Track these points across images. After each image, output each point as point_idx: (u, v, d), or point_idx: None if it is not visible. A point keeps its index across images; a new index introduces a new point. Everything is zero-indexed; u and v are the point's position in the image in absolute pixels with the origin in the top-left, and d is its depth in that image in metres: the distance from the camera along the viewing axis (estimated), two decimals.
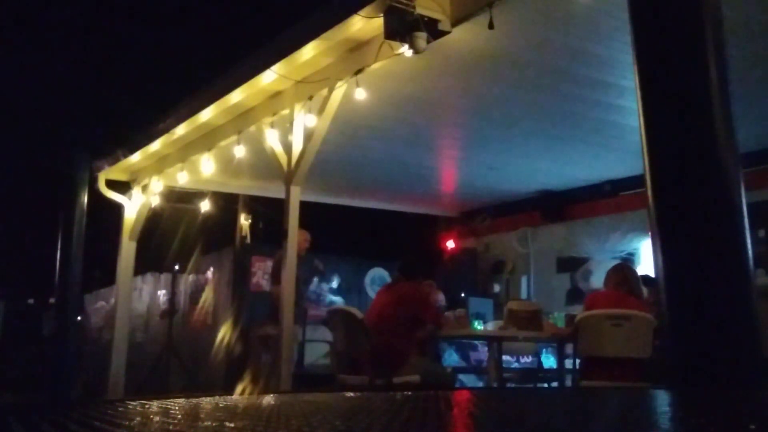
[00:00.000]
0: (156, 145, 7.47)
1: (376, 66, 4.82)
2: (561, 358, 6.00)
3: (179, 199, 8.66)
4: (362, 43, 4.93)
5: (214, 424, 1.71)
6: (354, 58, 5.04)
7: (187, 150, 7.38)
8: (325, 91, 5.34)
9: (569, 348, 5.56)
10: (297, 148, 5.60)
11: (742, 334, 2.79)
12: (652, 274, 3.44)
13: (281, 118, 5.87)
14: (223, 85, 6.01)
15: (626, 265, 5.69)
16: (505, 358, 6.20)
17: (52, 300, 10.07)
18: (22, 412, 2.00)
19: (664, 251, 2.92)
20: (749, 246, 2.84)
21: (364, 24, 4.57)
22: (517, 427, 1.70)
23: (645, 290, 5.48)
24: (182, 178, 7.53)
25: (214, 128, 6.82)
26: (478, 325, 6.36)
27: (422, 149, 7.52)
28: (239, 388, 6.89)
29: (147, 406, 2.22)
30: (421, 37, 4.23)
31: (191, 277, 10.34)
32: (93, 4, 16.19)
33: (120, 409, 2.15)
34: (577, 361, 5.28)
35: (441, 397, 2.62)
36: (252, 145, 6.38)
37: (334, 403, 2.51)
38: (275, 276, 7.15)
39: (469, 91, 5.86)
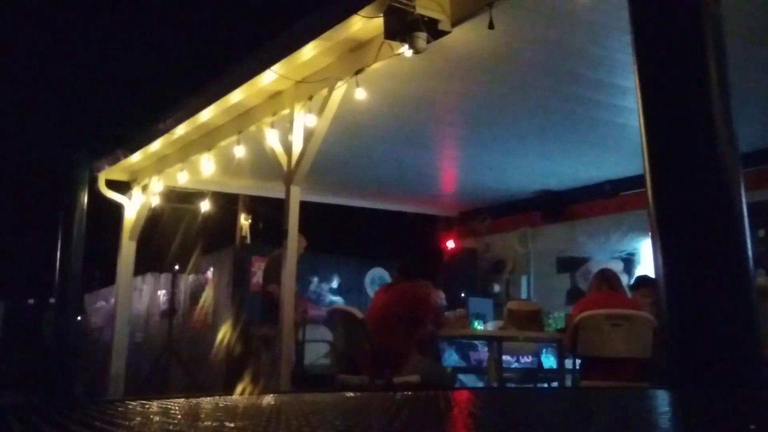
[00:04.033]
0: (156, 145, 7.47)
1: (376, 66, 4.82)
2: (561, 358, 6.00)
3: (179, 199, 8.67)
4: (362, 43, 4.93)
5: (214, 424, 1.71)
6: (354, 58, 5.04)
7: (187, 150, 7.38)
8: (325, 91, 5.34)
9: None
10: (297, 148, 5.60)
11: (742, 334, 2.79)
12: (652, 274, 3.44)
13: (281, 118, 5.87)
14: (223, 85, 6.01)
15: (606, 269, 5.72)
16: (505, 358, 6.20)
17: (52, 300, 10.06)
18: (22, 412, 2.00)
19: (664, 251, 2.92)
20: (749, 246, 2.84)
21: (364, 24, 4.57)
22: (517, 427, 1.70)
23: (628, 291, 5.54)
24: (182, 178, 7.53)
25: (214, 128, 6.82)
26: (478, 325, 6.37)
27: (422, 149, 7.52)
28: (239, 388, 6.89)
29: (147, 406, 2.22)
30: (421, 37, 4.23)
31: (191, 277, 10.33)
32: (93, 4, 16.19)
33: (120, 409, 2.15)
34: (577, 361, 5.28)
35: (441, 397, 2.62)
36: (252, 145, 6.39)
37: (334, 403, 2.51)
38: (267, 275, 7.14)
39: (469, 91, 5.86)
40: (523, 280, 9.38)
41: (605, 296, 5.18)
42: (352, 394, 3.08)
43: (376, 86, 5.25)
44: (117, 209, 8.57)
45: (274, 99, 5.95)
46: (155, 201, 8.20)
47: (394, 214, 10.43)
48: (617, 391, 4.11)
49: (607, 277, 5.33)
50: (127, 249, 8.37)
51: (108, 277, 9.91)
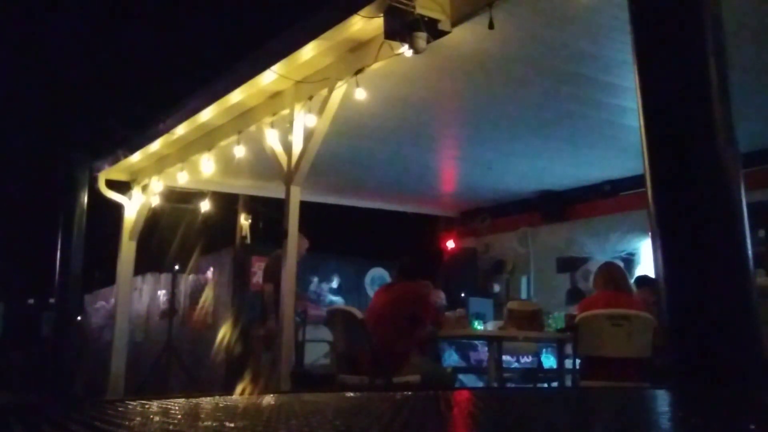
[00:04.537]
0: (156, 145, 7.47)
1: (376, 66, 4.82)
2: (561, 358, 6.00)
3: (179, 199, 8.67)
4: (362, 43, 4.93)
5: (214, 424, 1.71)
6: (354, 58, 5.04)
7: (187, 150, 7.38)
8: (325, 91, 5.34)
9: (569, 348, 5.56)
10: (297, 148, 5.60)
11: (742, 334, 2.79)
12: (652, 274, 3.44)
13: (281, 118, 5.87)
14: (223, 85, 6.01)
15: (611, 263, 5.70)
16: (505, 358, 6.20)
17: (52, 300, 10.07)
18: (22, 412, 2.00)
19: (664, 251, 2.92)
20: (749, 246, 2.83)
21: (364, 24, 4.57)
22: (517, 427, 1.70)
23: (634, 288, 5.52)
24: (182, 178, 7.53)
25: (214, 128, 6.82)
26: (478, 325, 6.36)
27: (422, 149, 7.52)
28: (239, 388, 6.89)
29: (147, 406, 2.22)
30: (421, 37, 4.23)
31: (191, 277, 10.34)
32: (93, 4, 16.19)
33: (120, 409, 2.15)
34: (577, 361, 5.28)
35: (441, 397, 2.62)
36: (252, 145, 6.38)
37: (334, 403, 2.51)
38: (267, 275, 7.14)
39: (469, 90, 5.86)
40: (523, 280, 9.38)
41: (611, 296, 5.16)
42: (352, 394, 3.08)
43: (376, 86, 5.25)
44: (117, 209, 8.57)
45: (274, 99, 5.95)
46: (155, 201, 8.20)
47: (394, 214, 10.43)
48: (617, 391, 4.11)
49: (613, 276, 5.30)
50: (127, 249, 8.37)
51: (108, 277, 9.90)
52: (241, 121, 6.41)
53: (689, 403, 2.35)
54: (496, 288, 9.50)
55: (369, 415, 1.95)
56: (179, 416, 1.95)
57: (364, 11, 4.41)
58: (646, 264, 7.62)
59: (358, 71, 4.98)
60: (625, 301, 5.13)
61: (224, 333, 8.82)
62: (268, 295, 6.44)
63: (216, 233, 10.02)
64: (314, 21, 4.90)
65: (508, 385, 6.13)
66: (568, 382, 5.82)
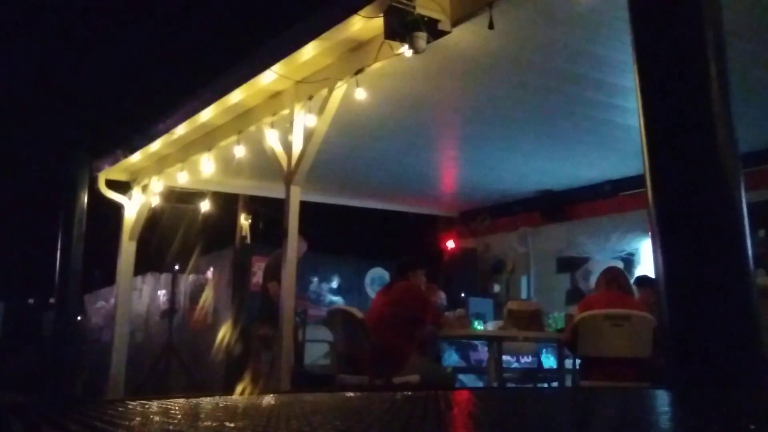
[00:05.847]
0: (156, 145, 7.47)
1: (376, 66, 4.82)
2: (561, 358, 6.00)
3: (179, 199, 8.66)
4: (362, 43, 4.93)
5: (214, 424, 1.71)
6: (354, 58, 5.04)
7: (187, 150, 7.38)
8: (325, 91, 5.34)
9: None
10: (297, 148, 5.60)
11: (742, 334, 2.79)
12: (652, 274, 3.44)
13: (281, 118, 5.87)
14: (223, 85, 6.01)
15: (614, 267, 5.71)
16: (505, 358, 6.21)
17: (52, 300, 10.07)
18: (22, 412, 2.00)
19: (664, 251, 2.91)
20: (749, 246, 2.83)
21: (364, 24, 4.57)
22: (517, 427, 1.70)
23: (636, 290, 5.52)
24: (182, 178, 7.53)
25: (214, 128, 6.83)
26: (478, 325, 6.37)
27: (422, 149, 7.52)
28: (239, 388, 6.89)
29: (147, 406, 2.22)
30: (421, 37, 4.23)
31: (191, 277, 10.33)
32: (93, 4, 16.18)
33: (120, 409, 2.15)
34: (577, 361, 5.28)
35: (441, 397, 2.62)
36: (252, 145, 6.39)
37: (334, 403, 2.51)
38: (267, 275, 7.14)
39: (469, 91, 5.86)
40: (523, 280, 9.38)
41: (611, 296, 5.16)
42: (352, 394, 3.08)
43: (376, 86, 5.25)
44: (117, 209, 8.57)
45: (274, 99, 5.95)
46: (155, 201, 8.20)
47: (394, 214, 10.43)
48: (617, 391, 4.11)
49: (615, 277, 5.31)
50: (127, 249, 8.37)
51: (108, 277, 9.91)
52: (241, 121, 6.41)
53: (689, 403, 2.35)
54: (496, 288, 9.50)
55: (369, 415, 1.95)
56: (179, 416, 1.95)
57: (364, 11, 4.41)
58: (646, 264, 7.62)
59: (358, 71, 4.98)
60: (625, 302, 5.14)
61: (224, 333, 8.81)
62: (275, 293, 6.42)
63: (216, 233, 10.01)
64: (314, 21, 4.90)
65: (508, 385, 6.13)
66: (568, 382, 5.83)
